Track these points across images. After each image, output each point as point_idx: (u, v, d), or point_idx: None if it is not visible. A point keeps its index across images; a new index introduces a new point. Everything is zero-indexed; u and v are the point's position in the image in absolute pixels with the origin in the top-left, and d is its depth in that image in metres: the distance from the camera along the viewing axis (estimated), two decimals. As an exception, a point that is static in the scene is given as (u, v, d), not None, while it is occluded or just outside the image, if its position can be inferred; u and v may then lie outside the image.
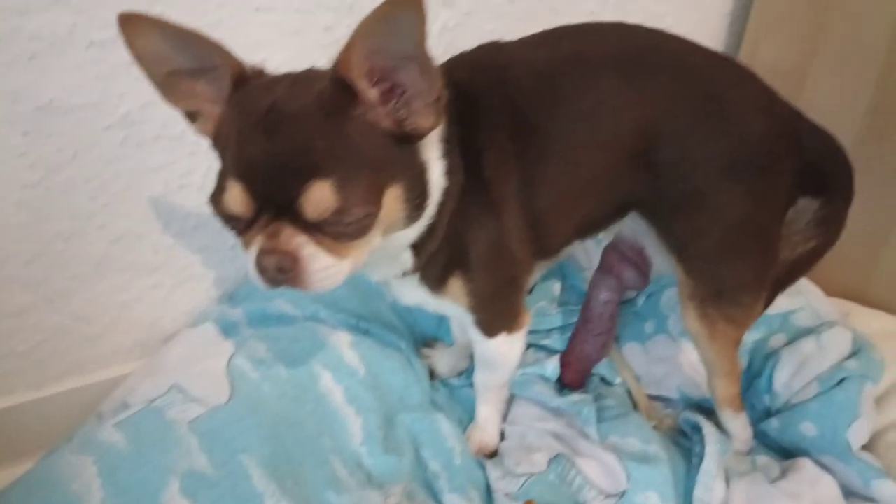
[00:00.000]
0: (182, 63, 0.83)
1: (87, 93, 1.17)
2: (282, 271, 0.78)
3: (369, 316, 1.43)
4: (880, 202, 1.44)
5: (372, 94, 0.79)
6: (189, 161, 1.33)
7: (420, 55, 0.74)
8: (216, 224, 1.40)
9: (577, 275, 1.58)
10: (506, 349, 1.15)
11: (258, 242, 0.79)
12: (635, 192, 1.05)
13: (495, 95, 0.96)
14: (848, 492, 1.16)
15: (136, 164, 1.27)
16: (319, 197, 0.75)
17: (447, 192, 0.91)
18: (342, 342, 1.30)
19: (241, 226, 0.81)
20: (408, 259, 0.97)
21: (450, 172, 0.91)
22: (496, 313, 1.10)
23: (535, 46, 1.02)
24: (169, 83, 0.85)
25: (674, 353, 1.39)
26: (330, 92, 0.78)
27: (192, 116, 0.89)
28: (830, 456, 1.18)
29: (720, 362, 1.17)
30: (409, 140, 0.82)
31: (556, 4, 1.56)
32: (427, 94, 0.78)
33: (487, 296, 1.05)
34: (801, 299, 1.40)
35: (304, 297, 1.41)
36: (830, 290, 1.47)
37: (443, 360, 1.44)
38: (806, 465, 1.17)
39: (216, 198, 0.80)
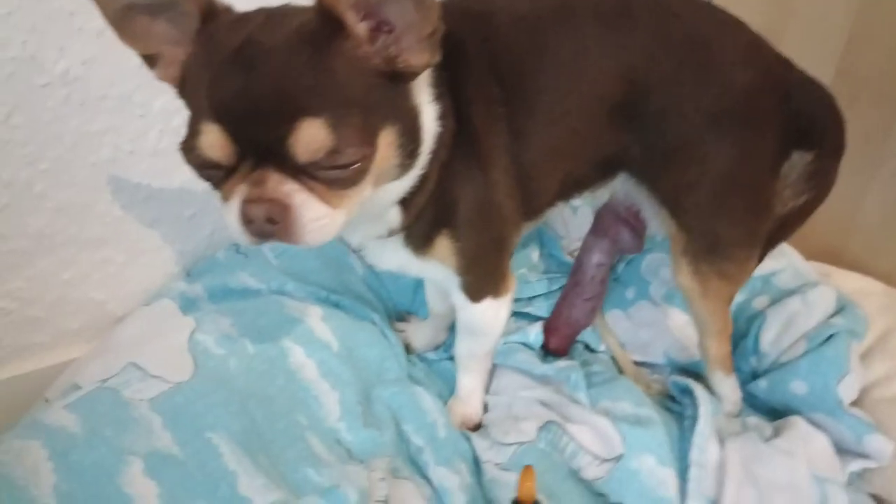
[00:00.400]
0: None
1: (22, 45, 1.05)
2: (271, 221, 0.71)
3: (340, 289, 1.35)
4: (853, 165, 1.43)
5: (360, 28, 0.72)
6: (140, 123, 1.22)
7: None
8: (171, 193, 1.33)
9: (554, 243, 1.53)
10: (491, 314, 1.09)
11: (241, 192, 0.71)
12: (623, 146, 1.01)
13: (481, 43, 0.91)
14: (840, 448, 1.13)
15: (80, 125, 1.16)
16: (311, 136, 0.68)
17: (440, 140, 0.85)
18: (312, 315, 1.22)
19: (220, 175, 0.73)
20: (395, 216, 0.91)
21: (442, 118, 0.85)
22: (483, 275, 1.04)
23: None
24: (125, 20, 0.76)
25: (658, 318, 1.35)
26: (314, 24, 0.71)
27: (151, 60, 0.80)
28: (822, 413, 1.15)
29: (713, 320, 1.14)
30: (400, 80, 0.76)
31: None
32: (420, 27, 0.72)
33: (475, 255, 0.99)
34: (783, 260, 1.38)
35: (270, 269, 1.33)
36: (808, 254, 1.45)
37: (419, 334, 1.37)
38: (798, 422, 1.14)
39: (189, 144, 0.71)
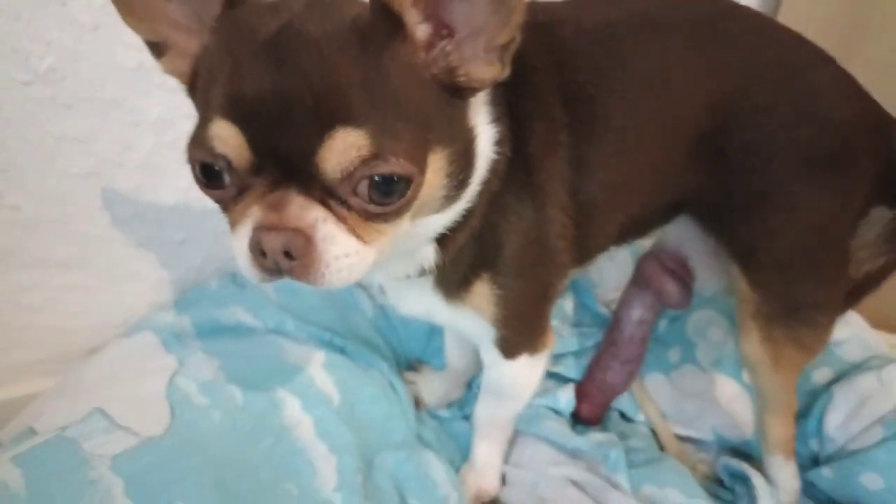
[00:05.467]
0: None
1: (5, 36, 0.91)
2: (288, 256, 0.57)
3: (345, 331, 1.19)
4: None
5: (420, 30, 0.60)
6: (132, 132, 1.07)
7: None
8: (161, 213, 1.17)
9: (588, 292, 1.36)
10: (526, 374, 0.95)
11: (254, 216, 0.58)
12: (697, 186, 0.88)
13: (543, 56, 0.78)
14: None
15: (61, 130, 1.02)
16: (347, 146, 0.55)
17: (493, 168, 0.72)
18: (313, 361, 1.07)
19: (230, 191, 0.60)
20: (429, 254, 0.76)
21: (499, 143, 0.72)
22: (522, 328, 0.89)
23: (582, 3, 0.85)
24: None
25: (706, 387, 1.19)
26: (369, 18, 0.58)
27: (158, 49, 0.67)
28: (901, 513, 0.98)
29: (779, 396, 0.99)
30: (458, 95, 0.64)
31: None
32: (495, 34, 0.60)
33: (517, 305, 0.84)
34: (847, 329, 1.22)
35: (268, 304, 1.17)
36: (875, 322, 1.29)
37: (431, 388, 1.21)
38: (872, 524, 0.98)
39: (197, 143, 0.58)
